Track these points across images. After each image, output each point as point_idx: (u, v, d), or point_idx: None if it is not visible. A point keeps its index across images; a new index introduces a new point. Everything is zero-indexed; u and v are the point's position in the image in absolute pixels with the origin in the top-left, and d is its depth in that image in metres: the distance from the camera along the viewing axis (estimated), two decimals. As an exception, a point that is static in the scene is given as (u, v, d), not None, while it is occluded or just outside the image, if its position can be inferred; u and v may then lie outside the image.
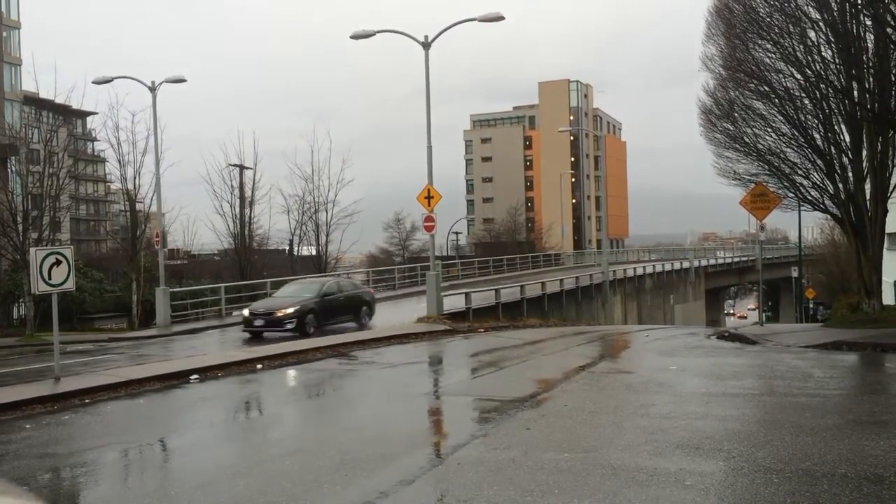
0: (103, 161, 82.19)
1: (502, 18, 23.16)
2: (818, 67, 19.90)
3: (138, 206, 34.85)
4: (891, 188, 20.56)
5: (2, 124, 34.65)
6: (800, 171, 22.57)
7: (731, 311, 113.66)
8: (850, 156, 20.74)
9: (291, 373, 13.77)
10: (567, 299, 35.49)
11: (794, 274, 55.37)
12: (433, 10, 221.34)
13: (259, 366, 14.27)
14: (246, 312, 22.00)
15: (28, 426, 9.49)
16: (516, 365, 14.10)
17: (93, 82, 27.46)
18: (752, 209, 21.71)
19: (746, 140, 23.04)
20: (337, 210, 42.10)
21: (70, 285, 12.69)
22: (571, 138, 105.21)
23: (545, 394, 10.54)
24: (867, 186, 20.71)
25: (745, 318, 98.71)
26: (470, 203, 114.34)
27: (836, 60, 19.75)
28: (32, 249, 12.70)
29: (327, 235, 42.14)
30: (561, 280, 36.28)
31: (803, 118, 21.43)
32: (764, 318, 31.78)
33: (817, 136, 21.40)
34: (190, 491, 6.33)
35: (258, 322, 21.29)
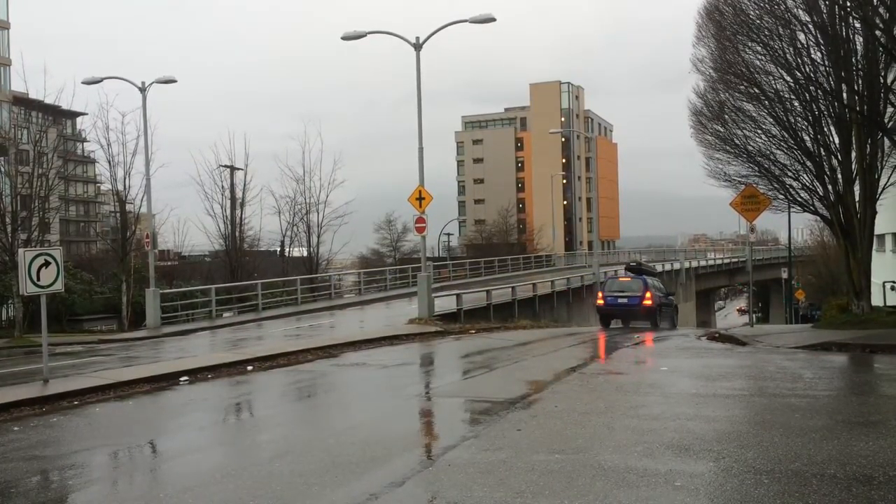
0: (93, 162, 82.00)
1: (493, 20, 23.19)
2: (808, 70, 19.98)
3: (128, 208, 34.79)
4: (879, 190, 20.65)
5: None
6: (790, 173, 22.64)
7: (725, 307, 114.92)
8: (840, 158, 20.83)
9: (282, 374, 13.72)
10: (558, 301, 35.55)
11: (784, 275, 55.63)
12: (426, 13, 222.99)
13: (249, 367, 14.23)
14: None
15: (16, 428, 9.42)
16: (507, 366, 14.09)
17: (82, 83, 27.42)
18: (743, 211, 21.79)
19: (737, 141, 23.10)
20: (328, 211, 42.20)
21: (59, 287, 12.62)
22: (563, 140, 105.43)
23: (536, 395, 10.53)
24: (856, 188, 20.80)
25: (744, 310, 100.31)
26: (461, 204, 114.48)
27: (826, 63, 19.83)
28: (21, 250, 12.63)
29: (318, 237, 42.20)
30: (552, 281, 36.33)
31: (793, 120, 21.50)
32: (755, 319, 31.90)
33: (807, 137, 21.47)
34: (179, 494, 6.29)
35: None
